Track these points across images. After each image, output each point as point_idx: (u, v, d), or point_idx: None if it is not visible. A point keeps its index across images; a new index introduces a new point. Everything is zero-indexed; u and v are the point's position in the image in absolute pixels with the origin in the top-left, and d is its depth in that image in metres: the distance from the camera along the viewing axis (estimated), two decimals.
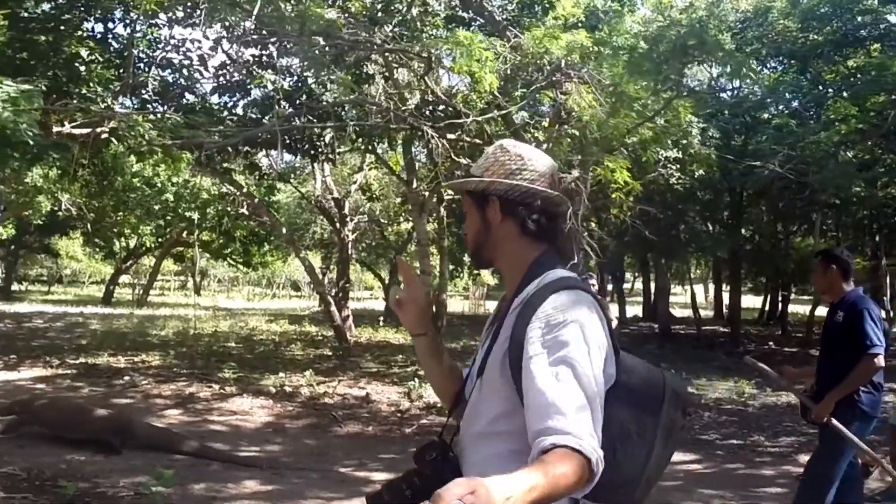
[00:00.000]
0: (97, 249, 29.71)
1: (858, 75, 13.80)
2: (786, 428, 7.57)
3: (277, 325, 18.59)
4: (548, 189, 1.53)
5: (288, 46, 8.80)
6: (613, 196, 8.09)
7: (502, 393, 1.42)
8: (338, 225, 15.48)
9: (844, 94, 12.86)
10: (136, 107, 8.54)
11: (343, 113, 11.63)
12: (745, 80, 16.15)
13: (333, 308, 13.22)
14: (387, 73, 11.69)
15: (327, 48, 7.37)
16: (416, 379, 9.60)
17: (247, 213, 15.70)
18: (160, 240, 26.00)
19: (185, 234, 26.39)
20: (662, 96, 9.14)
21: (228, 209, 21.46)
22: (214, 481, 5.17)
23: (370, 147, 12.08)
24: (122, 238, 27.42)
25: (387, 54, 9.56)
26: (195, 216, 21.81)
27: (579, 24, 9.33)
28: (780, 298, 22.48)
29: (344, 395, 9.01)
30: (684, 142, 10.75)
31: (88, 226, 23.27)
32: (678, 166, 12.52)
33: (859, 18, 14.20)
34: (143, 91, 9.50)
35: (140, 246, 27.15)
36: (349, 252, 16.18)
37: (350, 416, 7.91)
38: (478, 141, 9.21)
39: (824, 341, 4.05)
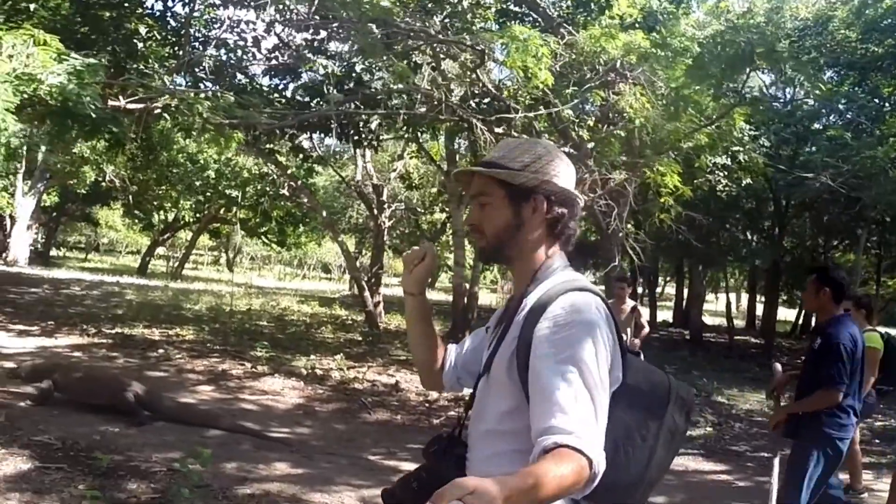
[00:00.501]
0: (136, 221, 30.27)
1: None
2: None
3: (308, 307, 18.73)
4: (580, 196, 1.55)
5: (340, 32, 8.78)
6: (662, 200, 7.93)
7: (509, 391, 1.43)
8: (375, 211, 15.50)
9: None
10: (189, 85, 8.61)
11: (391, 101, 11.63)
12: (803, 90, 15.83)
13: (367, 293, 13.25)
14: (434, 64, 11.66)
15: (380, 35, 7.31)
16: None
17: (287, 193, 15.79)
18: (198, 215, 26.39)
19: (222, 211, 26.80)
20: (722, 102, 8.96)
21: (268, 189, 21.73)
22: (246, 461, 5.21)
23: (415, 136, 12.04)
24: (162, 211, 27.95)
25: (436, 45, 9.52)
26: (235, 193, 22.11)
27: (636, 25, 9.17)
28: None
29: (374, 381, 9.03)
30: (735, 149, 10.53)
31: (130, 197, 23.77)
32: (725, 173, 12.29)
33: None
34: (198, 69, 9.59)
35: (178, 220, 27.59)
36: (384, 238, 16.20)
37: (379, 403, 7.93)
38: (524, 136, 9.10)
39: (805, 359, 4.04)
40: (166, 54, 9.43)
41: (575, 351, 1.31)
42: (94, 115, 4.95)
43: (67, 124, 5.29)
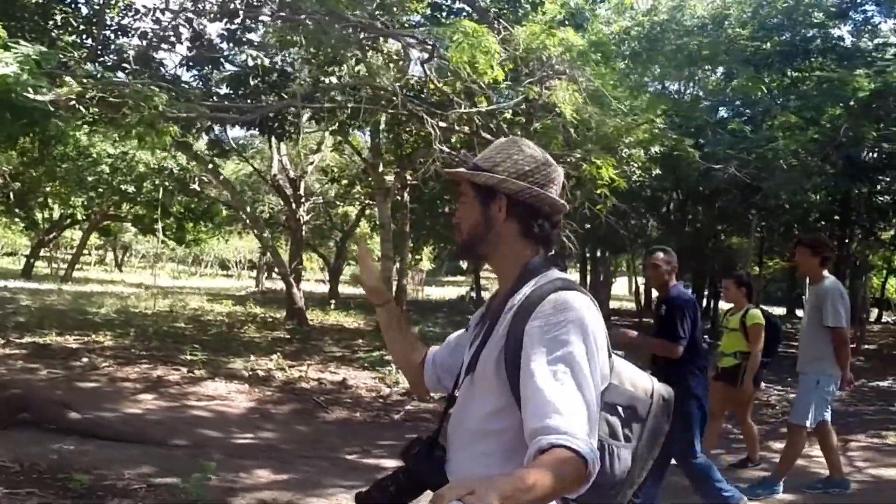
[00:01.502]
0: (16, 220, 27.92)
1: (803, 86, 14.59)
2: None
3: (221, 306, 18.05)
4: (556, 196, 1.55)
5: (273, 21, 8.52)
6: (598, 192, 8.28)
7: (495, 391, 1.42)
8: (293, 205, 15.13)
9: (792, 103, 13.56)
10: (102, 76, 8.05)
11: (317, 93, 11.41)
12: (698, 85, 16.88)
13: (295, 290, 12.96)
14: (361, 57, 11.52)
15: (336, 28, 7.16)
16: (390, 365, 9.60)
17: (198, 188, 15.10)
18: (88, 213, 24.70)
19: (112, 209, 25.27)
20: (642, 98, 9.42)
21: (166, 183, 20.70)
22: (225, 471, 5.02)
23: (342, 129, 11.85)
24: (46, 209, 25.95)
25: (362, 38, 9.44)
26: (131, 189, 20.93)
27: (566, 23, 9.45)
28: (709, 294, 23.57)
29: (319, 379, 8.89)
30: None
31: (11, 195, 21.93)
32: (639, 164, 12.93)
33: (809, 32, 14.99)
34: (112, 58, 9.01)
35: (66, 218, 25.69)
36: (303, 233, 15.85)
37: (332, 401, 7.83)
38: (466, 129, 9.20)
39: (656, 326, 4.45)
40: (77, 42, 8.78)
41: (567, 350, 1.32)
42: (47, 109, 4.55)
43: (5, 118, 4.81)
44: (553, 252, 1.57)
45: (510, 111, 9.33)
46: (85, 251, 41.79)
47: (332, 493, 4.67)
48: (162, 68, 10.52)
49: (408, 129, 12.56)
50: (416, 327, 15.63)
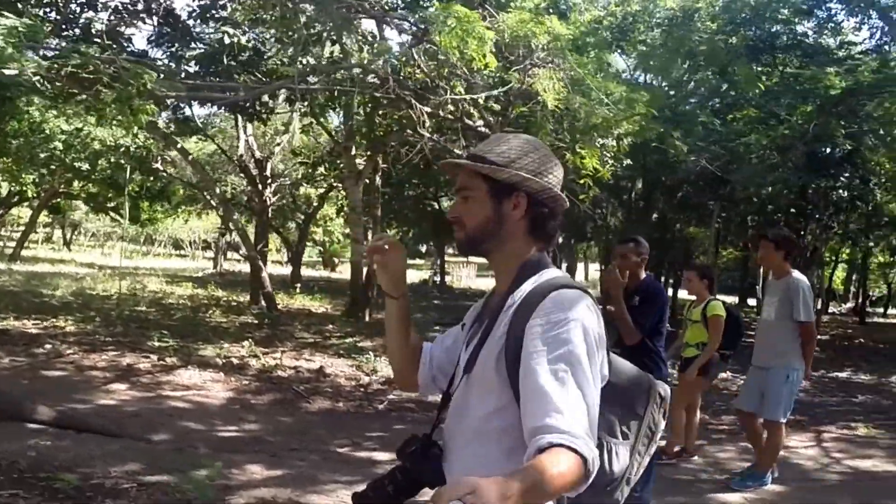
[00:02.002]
0: None
1: (768, 81, 14.85)
2: (723, 408, 8.14)
3: (182, 289, 17.59)
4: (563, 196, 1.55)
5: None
6: (582, 181, 8.28)
7: (495, 389, 1.41)
8: (260, 186, 14.78)
9: (759, 99, 13.78)
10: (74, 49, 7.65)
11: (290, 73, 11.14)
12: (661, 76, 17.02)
13: (265, 274, 12.69)
14: (335, 37, 11.30)
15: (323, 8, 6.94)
16: (368, 353, 9.51)
17: (160, 167, 14.62)
18: (38, 190, 23.68)
19: (63, 186, 24.30)
20: (622, 90, 9.44)
21: (122, 161, 19.99)
22: (205, 467, 4.87)
23: (321, 109, 11.59)
24: None
25: (337, 19, 9.22)
26: (85, 167, 20.15)
27: (550, 11, 9.39)
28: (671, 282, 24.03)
29: (295, 367, 8.72)
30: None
31: None
32: (612, 153, 13.02)
33: (774, 27, 15.25)
34: (74, 34, 8.59)
35: (14, 195, 24.61)
36: (269, 214, 15.52)
37: (312, 391, 7.69)
38: (450, 116, 9.09)
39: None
40: (41, 16, 8.34)
41: (568, 349, 1.31)
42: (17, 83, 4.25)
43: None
44: (551, 249, 1.56)
45: (482, 97, 9.24)
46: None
47: (331, 490, 4.57)
48: (130, 44, 10.12)
49: (381, 112, 12.39)
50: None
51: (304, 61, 10.51)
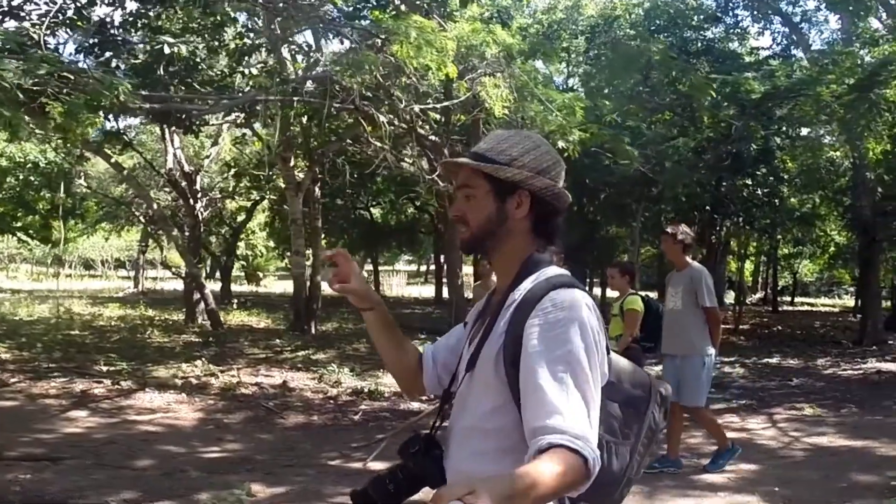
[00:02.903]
0: None
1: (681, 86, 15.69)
2: None
3: (108, 310, 16.76)
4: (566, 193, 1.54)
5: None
6: None
7: (494, 388, 1.40)
8: (191, 200, 14.29)
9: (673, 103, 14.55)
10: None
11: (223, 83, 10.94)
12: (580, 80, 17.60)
13: (208, 291, 12.31)
14: (269, 47, 11.18)
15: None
16: (331, 365, 9.43)
17: (84, 183, 13.90)
18: None
19: None
20: (564, 97, 9.79)
21: (31, 178, 18.91)
22: (213, 488, 4.76)
23: (250, 121, 11.37)
24: None
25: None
26: None
27: (493, 20, 9.62)
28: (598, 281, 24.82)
29: (257, 384, 8.53)
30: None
31: None
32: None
33: (688, 33, 16.15)
34: None
35: None
36: (201, 229, 15.03)
37: (283, 406, 7.56)
38: (404, 126, 9.13)
39: None
40: None
41: (568, 349, 1.30)
42: None
43: None
44: (552, 247, 1.54)
45: (438, 107, 9.37)
46: None
47: (339, 502, 4.55)
48: (56, 53, 9.64)
49: (319, 122, 12.30)
50: (333, 322, 15.36)
51: (246, 71, 10.32)
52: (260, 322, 15.70)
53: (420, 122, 9.25)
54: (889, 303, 20.28)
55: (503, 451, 1.37)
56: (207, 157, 15.31)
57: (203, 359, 9.61)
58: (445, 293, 27.01)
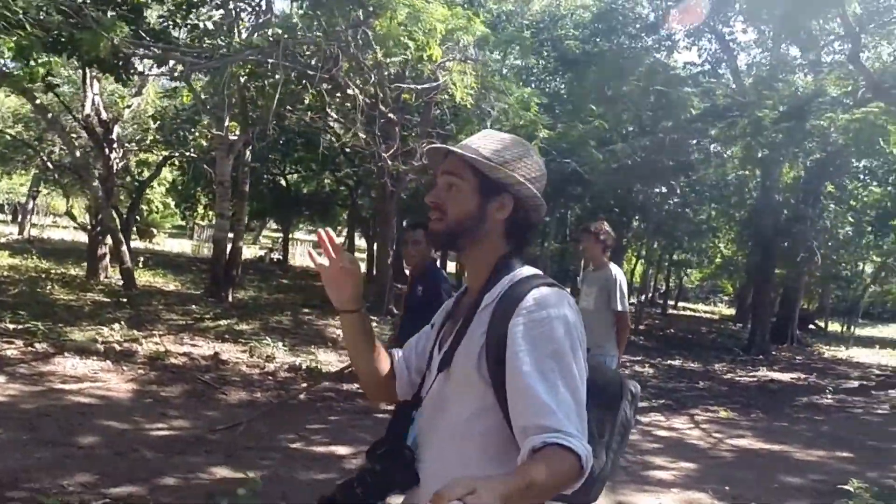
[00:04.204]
0: None
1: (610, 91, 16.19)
2: None
3: None
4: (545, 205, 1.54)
5: None
6: None
7: (476, 390, 1.39)
8: (107, 150, 13.25)
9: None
10: None
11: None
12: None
13: (124, 248, 11.52)
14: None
15: None
16: (263, 337, 9.13)
17: None
18: None
19: None
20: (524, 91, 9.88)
21: None
22: (178, 472, 4.50)
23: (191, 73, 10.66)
24: None
25: None
26: None
27: (464, 6, 9.52)
28: None
29: (186, 354, 8.11)
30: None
31: None
32: None
33: (622, 40, 16.68)
34: None
35: None
36: (115, 182, 13.98)
37: (220, 380, 7.24)
38: (368, 101, 8.86)
39: (406, 306, 4.29)
40: None
41: (554, 347, 1.30)
42: None
43: None
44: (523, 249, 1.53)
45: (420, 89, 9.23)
46: None
47: (318, 490, 4.42)
48: None
49: (258, 83, 11.74)
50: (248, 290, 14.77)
51: (201, 23, 9.68)
52: (168, 284, 14.88)
53: (381, 98, 9.02)
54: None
55: (487, 454, 1.36)
56: (128, 107, 14.21)
57: (120, 322, 9.02)
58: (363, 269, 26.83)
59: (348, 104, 9.54)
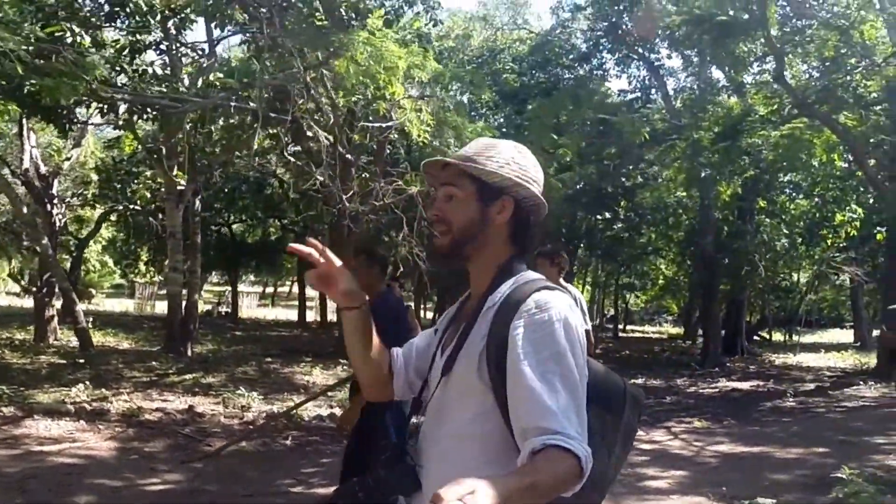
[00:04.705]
0: None
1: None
2: None
3: None
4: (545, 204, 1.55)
5: None
6: None
7: (476, 394, 1.40)
8: (48, 206, 12.83)
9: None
10: None
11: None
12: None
13: (78, 307, 11.11)
14: (165, 45, 10.61)
15: None
16: (234, 388, 8.92)
17: None
18: None
19: None
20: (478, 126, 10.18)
21: None
22: None
23: (132, 122, 10.51)
24: None
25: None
26: None
27: (415, 42, 9.79)
28: None
29: (161, 409, 7.86)
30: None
31: None
32: None
33: (558, 71, 17.35)
34: None
35: None
36: (59, 239, 13.51)
37: (202, 433, 7.05)
38: (328, 139, 8.94)
39: None
40: None
41: (555, 350, 1.31)
42: None
43: None
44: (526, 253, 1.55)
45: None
46: None
47: None
48: None
49: (204, 130, 11.69)
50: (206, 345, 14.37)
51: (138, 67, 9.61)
52: (121, 343, 14.35)
53: (338, 139, 9.13)
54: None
55: (487, 457, 1.36)
56: (67, 159, 13.83)
57: (84, 382, 8.67)
58: (310, 316, 26.25)
59: (311, 144, 9.59)
